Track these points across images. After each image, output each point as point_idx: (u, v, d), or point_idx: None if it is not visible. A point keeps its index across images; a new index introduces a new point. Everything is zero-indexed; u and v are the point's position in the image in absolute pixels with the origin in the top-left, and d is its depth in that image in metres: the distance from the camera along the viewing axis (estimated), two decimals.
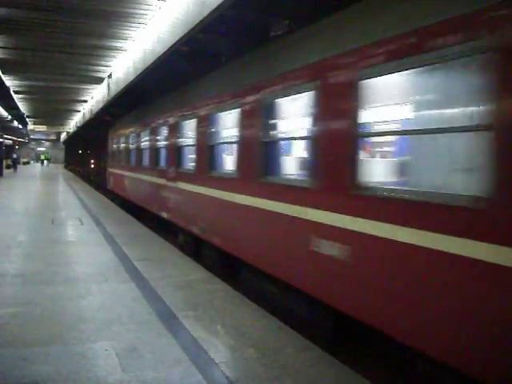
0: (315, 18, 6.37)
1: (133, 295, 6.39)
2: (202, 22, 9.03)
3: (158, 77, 15.89)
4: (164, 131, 12.35)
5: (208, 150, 8.78)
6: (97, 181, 41.01)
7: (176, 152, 10.88)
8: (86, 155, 68.69)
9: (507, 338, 3.27)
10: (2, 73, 21.96)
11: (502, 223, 3.36)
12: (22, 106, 38.86)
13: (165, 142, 12.14)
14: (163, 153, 12.45)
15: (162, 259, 8.71)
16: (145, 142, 14.63)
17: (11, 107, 37.60)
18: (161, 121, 12.54)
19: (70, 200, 20.34)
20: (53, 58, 18.82)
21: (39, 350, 4.51)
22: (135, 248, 9.60)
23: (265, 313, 5.86)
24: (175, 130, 11.03)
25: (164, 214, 11.79)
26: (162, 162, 12.49)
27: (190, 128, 10.36)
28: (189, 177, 9.88)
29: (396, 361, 5.01)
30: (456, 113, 4.13)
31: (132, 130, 16.73)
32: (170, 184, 11.17)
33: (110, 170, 22.45)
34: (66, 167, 75.63)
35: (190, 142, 10.21)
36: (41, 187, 28.61)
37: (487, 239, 3.43)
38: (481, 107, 3.60)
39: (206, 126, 8.96)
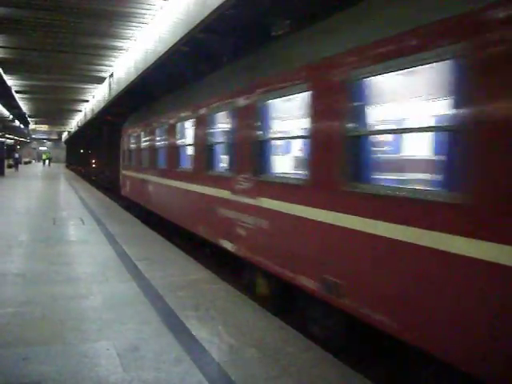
0: (316, 18, 6.37)
1: (134, 295, 6.39)
2: (202, 21, 9.04)
3: (159, 76, 15.92)
4: (225, 120, 8.66)
5: (351, 144, 4.83)
6: (98, 180, 41.05)
7: (255, 150, 6.84)
8: (88, 155, 68.84)
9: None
10: (4, 72, 21.99)
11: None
12: (24, 106, 38.94)
13: (228, 136, 8.37)
14: (223, 151, 8.82)
15: (163, 259, 8.71)
16: (185, 138, 11.01)
17: (13, 106, 37.69)
18: (218, 105, 8.48)
19: (72, 199, 20.35)
20: (54, 58, 18.85)
21: (40, 350, 4.51)
22: (136, 248, 9.60)
23: (266, 313, 5.86)
24: (252, 117, 6.94)
25: (227, 245, 7.79)
26: (222, 165, 8.83)
27: (289, 111, 7.14)
28: (292, 191, 5.99)
29: (397, 360, 5.00)
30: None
31: (160, 122, 12.70)
32: (242, 199, 7.18)
33: (125, 172, 18.29)
34: (67, 167, 75.68)
35: (293, 132, 7.17)
36: (42, 187, 28.63)
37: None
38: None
39: (335, 103, 5.08)
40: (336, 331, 5.49)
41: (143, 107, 17.04)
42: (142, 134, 14.98)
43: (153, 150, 13.41)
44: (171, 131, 11.44)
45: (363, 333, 5.10)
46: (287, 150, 7.72)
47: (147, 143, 14.26)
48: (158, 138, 12.98)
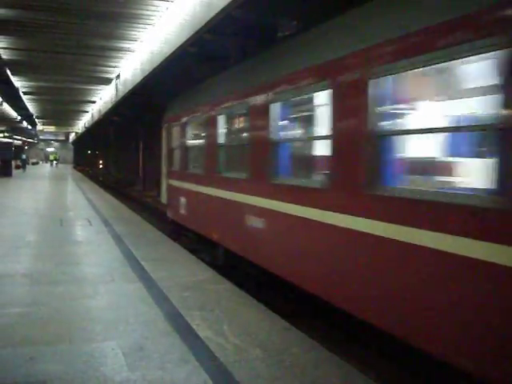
0: (322, 18, 6.38)
1: (140, 295, 6.42)
2: (208, 23, 9.07)
3: (164, 77, 15.97)
4: None
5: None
6: (105, 181, 41.23)
7: None
8: (95, 156, 69.18)
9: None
10: (11, 74, 22.15)
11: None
12: (31, 107, 39.19)
13: None
14: None
15: (169, 259, 8.74)
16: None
17: (20, 108, 37.97)
18: None
19: (79, 200, 20.43)
20: (61, 59, 18.99)
21: (46, 349, 4.54)
22: (143, 248, 9.63)
23: (271, 313, 5.87)
24: None
25: None
26: None
27: None
28: None
29: (400, 360, 5.00)
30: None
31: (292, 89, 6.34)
32: None
33: (176, 184, 11.71)
34: (74, 168, 76.03)
35: None
36: (49, 187, 28.77)
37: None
38: None
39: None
40: None
41: (213, 78, 10.28)
42: (223, 119, 8.77)
43: (267, 145, 6.79)
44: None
45: (366, 333, 5.11)
46: None
47: (248, 134, 7.68)
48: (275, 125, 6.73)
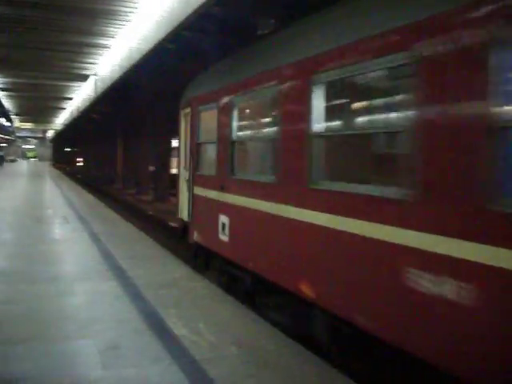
0: (300, 16, 6.40)
1: (116, 293, 6.38)
2: (186, 20, 9.05)
3: (143, 74, 15.88)
4: None
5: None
6: (84, 178, 40.82)
7: None
8: (74, 153, 68.43)
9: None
10: None
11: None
12: (7, 103, 38.58)
13: None
14: None
15: (146, 257, 8.71)
16: None
17: None
18: None
19: (56, 198, 20.21)
20: (37, 55, 18.76)
21: (20, 348, 4.50)
22: (120, 246, 9.58)
23: (246, 310, 5.89)
24: None
25: None
26: None
27: None
28: None
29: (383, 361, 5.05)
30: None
31: None
32: None
33: (208, 195, 7.79)
34: (53, 165, 75.08)
35: None
36: (27, 185, 28.38)
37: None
38: None
39: None
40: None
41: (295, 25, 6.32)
42: (323, 91, 4.96)
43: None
44: None
45: (344, 331, 5.15)
46: None
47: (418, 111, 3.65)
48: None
